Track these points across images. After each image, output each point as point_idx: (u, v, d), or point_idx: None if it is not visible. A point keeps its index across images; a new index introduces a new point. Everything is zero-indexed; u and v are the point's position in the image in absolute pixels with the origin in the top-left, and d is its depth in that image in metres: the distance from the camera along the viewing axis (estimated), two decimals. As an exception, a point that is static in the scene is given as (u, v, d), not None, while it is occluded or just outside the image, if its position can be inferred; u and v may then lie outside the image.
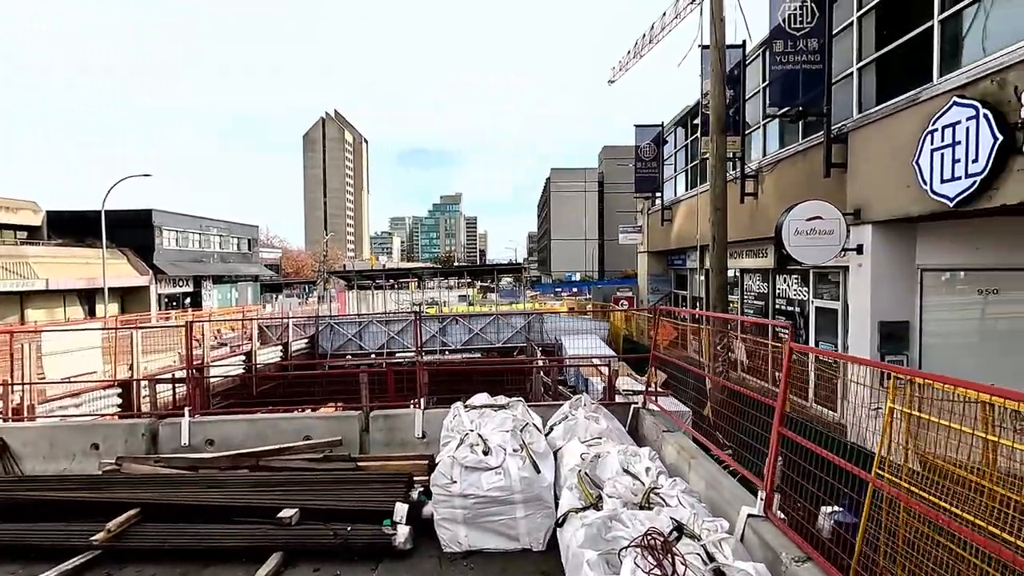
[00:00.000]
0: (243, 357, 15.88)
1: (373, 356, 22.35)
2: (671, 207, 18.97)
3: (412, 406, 7.41)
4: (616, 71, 78.00)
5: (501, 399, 6.80)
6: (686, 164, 18.29)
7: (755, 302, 14.94)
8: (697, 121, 17.53)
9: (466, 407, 6.48)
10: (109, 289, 29.68)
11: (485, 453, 5.12)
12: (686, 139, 18.41)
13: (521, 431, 5.54)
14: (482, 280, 43.68)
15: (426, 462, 6.74)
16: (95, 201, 29.87)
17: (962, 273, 8.07)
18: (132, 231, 37.46)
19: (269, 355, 17.48)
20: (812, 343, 11.55)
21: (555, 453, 5.62)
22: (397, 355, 22.23)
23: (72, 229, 36.46)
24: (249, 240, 52.34)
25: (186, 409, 7.51)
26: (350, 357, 22.27)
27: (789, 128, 12.13)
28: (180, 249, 41.87)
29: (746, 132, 12.56)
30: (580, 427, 5.96)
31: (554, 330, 21.43)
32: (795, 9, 8.86)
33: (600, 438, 5.61)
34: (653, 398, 7.17)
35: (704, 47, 12.76)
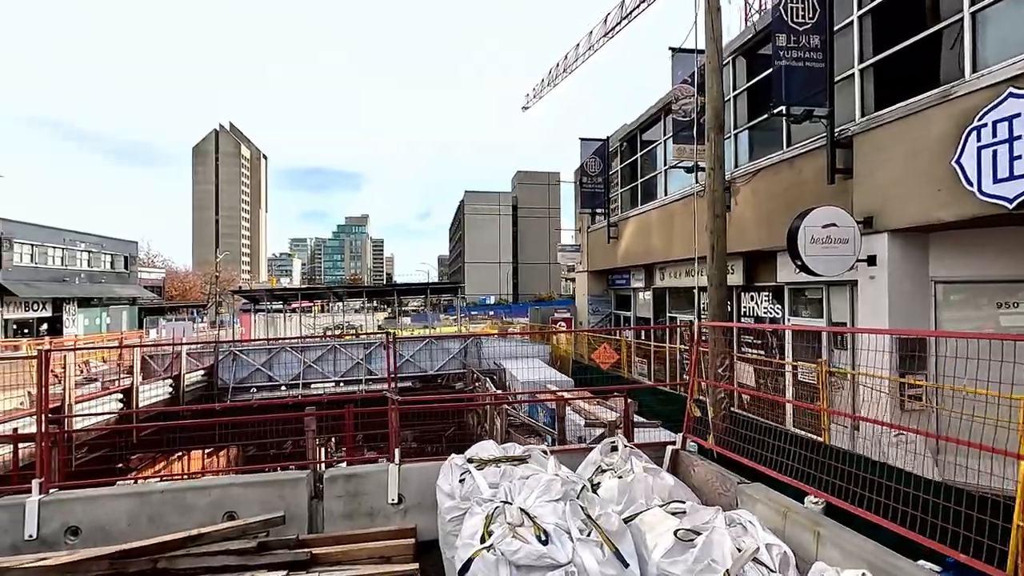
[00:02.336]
0: (120, 395, 12.63)
1: (283, 389, 19.39)
2: (617, 224, 18.26)
3: (385, 460, 5.49)
4: (530, 98, 79.37)
5: (515, 448, 5.12)
6: (634, 180, 17.71)
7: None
8: (649, 136, 17.06)
9: (473, 462, 4.72)
10: (-66, 313, 23.88)
11: (543, 540, 3.42)
12: (632, 154, 17.88)
13: (577, 497, 3.91)
14: (400, 302, 41.06)
15: (410, 540, 4.88)
16: (-82, 204, 24.15)
17: (978, 285, 7.60)
18: (-29, 244, 31.01)
19: (155, 392, 14.20)
20: (789, 364, 10.90)
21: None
22: (313, 387, 19.46)
23: None
24: (126, 258, 45.80)
25: (35, 481, 5.02)
26: (255, 391, 19.14)
27: (761, 137, 11.67)
28: (36, 267, 35.37)
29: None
30: (640, 485, 4.42)
31: (492, 355, 19.82)
32: (797, 2, 8.24)
33: (681, 502, 4.10)
34: (689, 434, 5.81)
35: (675, 50, 12.11)
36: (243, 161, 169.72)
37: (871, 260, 7.95)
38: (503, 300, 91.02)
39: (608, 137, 18.56)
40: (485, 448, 5.05)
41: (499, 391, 14.22)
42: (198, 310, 60.17)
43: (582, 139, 18.60)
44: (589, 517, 3.67)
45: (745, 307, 12.99)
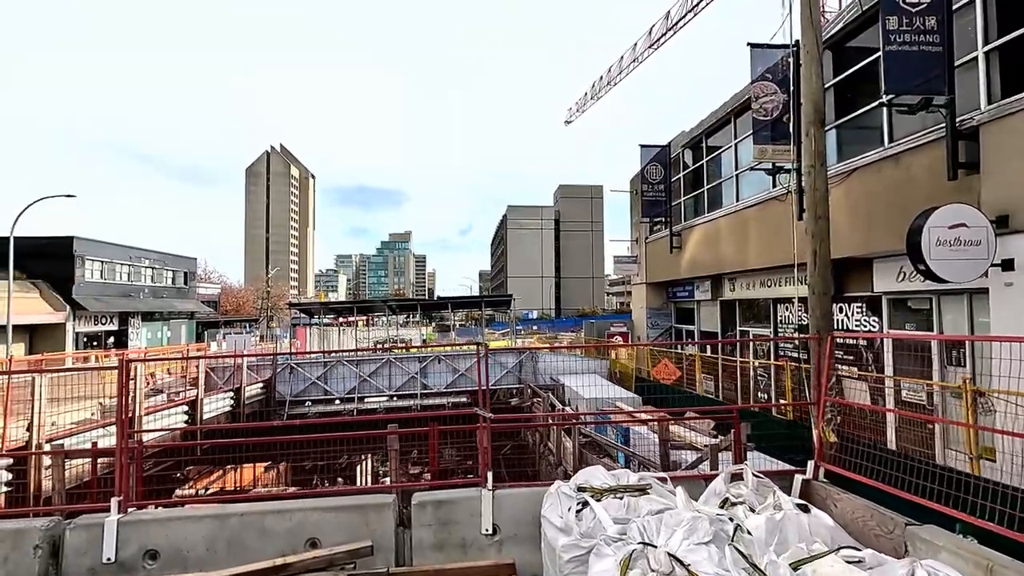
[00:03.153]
0: (185, 407, 12.68)
1: (338, 403, 19.29)
2: (680, 233, 17.44)
3: (478, 486, 4.96)
4: (573, 112, 79.29)
5: (627, 475, 4.51)
6: (700, 186, 16.90)
7: (789, 335, 13.32)
8: (715, 141, 16.26)
9: (586, 491, 4.15)
10: (16, 326, 25.15)
11: (707, 597, 2.80)
12: (697, 160, 17.10)
13: (731, 539, 3.27)
14: (443, 316, 40.91)
15: (511, 578, 4.32)
16: (7, 228, 25.61)
17: None
18: (49, 261, 32.71)
19: (218, 404, 14.25)
20: (890, 380, 9.84)
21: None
22: (367, 401, 19.29)
23: (-28, 258, 31.38)
24: (186, 274, 47.59)
25: (114, 500, 4.74)
26: (310, 404, 19.11)
27: (853, 136, 10.78)
28: (105, 282, 37.06)
29: (801, 142, 11.14)
30: (791, 524, 3.73)
31: (549, 370, 19.20)
32: (909, -19, 7.47)
33: (857, 548, 3.40)
34: (823, 463, 5.05)
35: (754, 45, 11.41)
36: (292, 181, 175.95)
37: (1007, 264, 7.00)
38: (546, 315, 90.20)
39: (669, 143, 17.85)
40: (595, 475, 4.47)
41: (564, 408, 13.56)
42: (251, 324, 61.96)
43: (642, 146, 17.95)
44: (755, 567, 3.03)
45: (834, 319, 11.97)
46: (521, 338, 43.63)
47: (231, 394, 15.20)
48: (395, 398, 19.17)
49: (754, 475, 4.49)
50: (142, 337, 40.66)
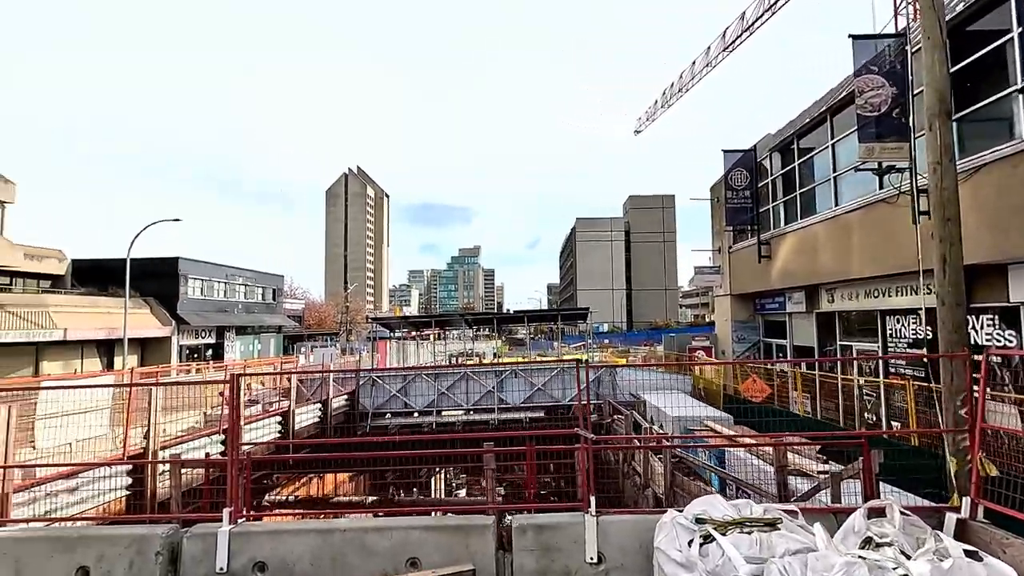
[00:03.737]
0: (279, 418, 13.30)
1: (416, 415, 19.59)
2: (769, 242, 16.43)
3: (578, 510, 4.71)
4: (642, 121, 77.84)
5: (748, 505, 4.10)
6: (792, 191, 15.89)
7: (908, 351, 12.08)
8: (808, 142, 15.26)
9: (706, 522, 3.79)
10: (129, 340, 27.65)
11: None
12: (788, 163, 16.10)
13: (898, 595, 2.83)
14: (511, 330, 40.98)
15: (623, 615, 3.99)
16: (124, 250, 28.36)
17: None
18: (158, 280, 35.89)
19: (308, 415, 14.86)
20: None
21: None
22: (444, 415, 19.46)
23: (96, 278, 34.98)
24: (274, 290, 50.69)
25: (226, 511, 4.89)
26: (390, 416, 19.54)
27: (977, 129, 9.69)
28: (204, 299, 40.12)
29: (916, 136, 10.15)
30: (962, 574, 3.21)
31: (628, 385, 18.58)
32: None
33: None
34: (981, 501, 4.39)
35: (856, 37, 10.59)
36: (368, 200, 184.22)
37: None
38: (616, 328, 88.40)
39: (755, 146, 16.95)
40: (714, 504, 4.09)
41: (651, 427, 12.99)
42: (331, 337, 64.95)
43: (725, 151, 17.15)
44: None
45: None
46: (592, 352, 42.87)
47: (319, 406, 15.80)
48: (472, 412, 19.22)
49: (901, 512, 3.95)
50: (236, 349, 43.57)
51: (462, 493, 23.51)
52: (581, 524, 4.63)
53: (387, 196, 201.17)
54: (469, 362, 31.44)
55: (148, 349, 34.80)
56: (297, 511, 12.02)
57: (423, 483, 21.05)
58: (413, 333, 39.95)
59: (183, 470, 8.72)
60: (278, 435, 13.01)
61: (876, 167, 10.95)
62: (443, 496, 21.70)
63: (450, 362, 26.22)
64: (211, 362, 36.05)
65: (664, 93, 65.40)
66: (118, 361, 31.70)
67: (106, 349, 32.71)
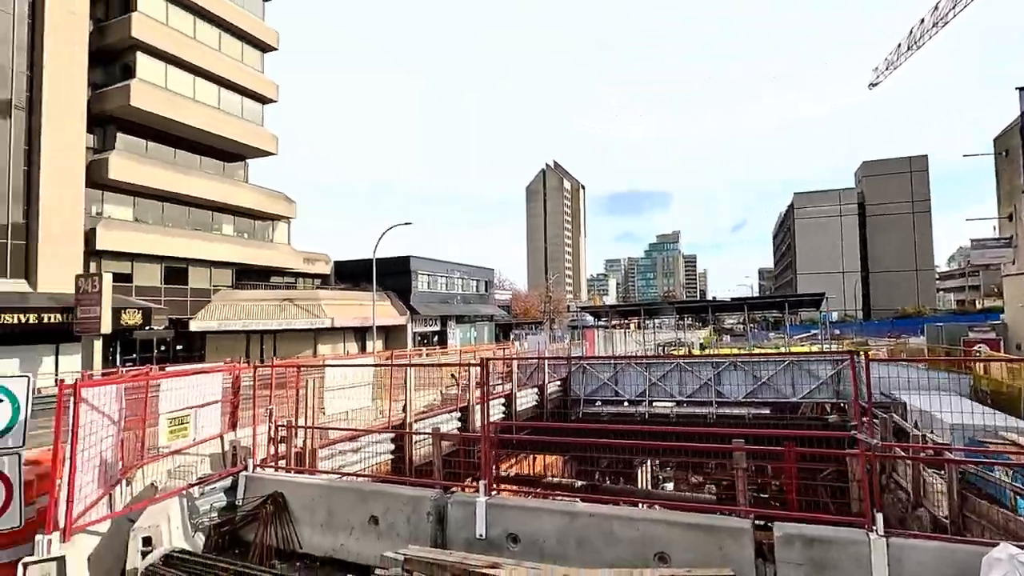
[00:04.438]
0: (503, 400, 14.41)
1: (626, 404, 19.40)
2: (1099, 201, 12.32)
3: (856, 526, 4.05)
4: (879, 72, 65.72)
5: None
6: None
7: None
8: None
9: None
10: (376, 327, 32.71)
11: None
12: None
13: None
14: (717, 319, 38.06)
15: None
16: (370, 251, 33.62)
17: None
18: (395, 276, 41.84)
19: (527, 398, 15.82)
20: None
21: None
22: (656, 405, 18.91)
23: (351, 275, 42.25)
24: (486, 282, 55.19)
25: (481, 483, 5.36)
26: (600, 404, 19.69)
27: None
28: (431, 292, 45.50)
29: None
30: None
31: (878, 383, 15.77)
32: None
33: None
34: None
35: None
36: (565, 194, 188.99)
37: None
38: (849, 317, 76.14)
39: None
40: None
41: (921, 434, 10.81)
42: (536, 326, 68.41)
43: (1020, 88, 13.28)
44: None
45: None
46: (825, 343, 37.54)
47: (535, 390, 16.67)
48: (685, 404, 18.34)
49: None
50: (457, 336, 48.62)
51: (669, 487, 22.71)
52: (865, 544, 3.95)
53: (583, 187, 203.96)
54: (677, 352, 30.17)
55: (390, 335, 40.80)
56: (513, 487, 12.87)
57: (630, 474, 20.85)
58: (615, 322, 39.95)
59: (434, 441, 10.06)
60: (502, 416, 14.06)
61: None
62: (649, 488, 21.22)
63: (658, 352, 25.44)
64: (438, 347, 40.92)
65: (912, 33, 54.14)
66: (369, 345, 37.82)
67: (360, 335, 39.26)
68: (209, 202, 31.81)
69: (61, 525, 4.57)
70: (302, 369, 8.82)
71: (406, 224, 33.52)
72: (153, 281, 29.23)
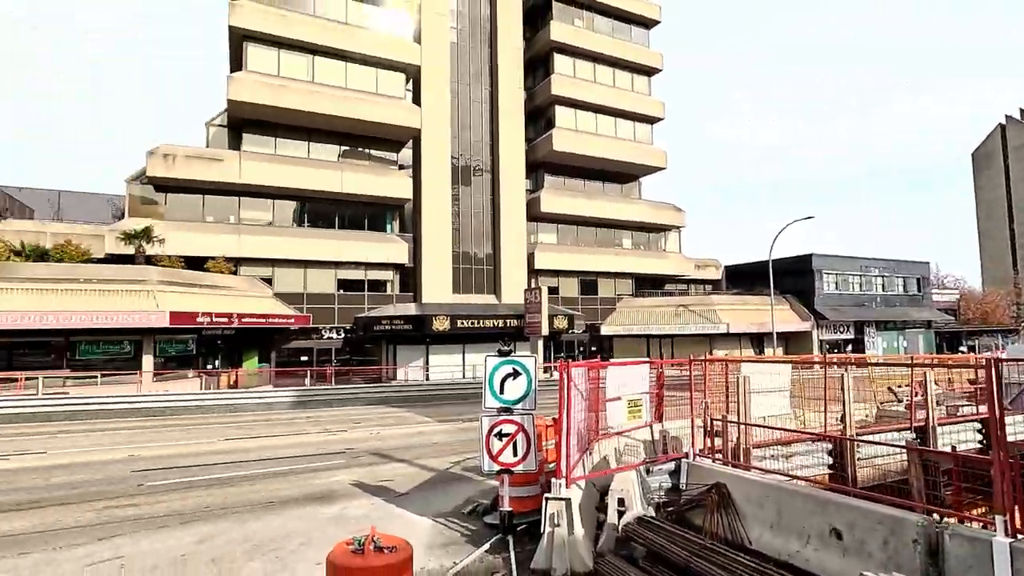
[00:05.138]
0: (978, 425, 11.02)
1: None
2: None
3: None
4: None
5: None
6: None
7: None
8: None
9: None
10: (774, 334, 30.30)
11: None
12: None
13: None
14: None
15: None
16: (764, 254, 31.60)
17: None
18: (793, 278, 38.04)
19: (1017, 428, 11.69)
20: None
21: None
22: None
23: (744, 279, 40.56)
24: (918, 280, 44.19)
25: (999, 519, 4.14)
26: None
27: None
28: (840, 293, 39.41)
29: None
30: None
31: None
32: None
33: None
34: None
35: None
36: None
37: None
38: None
39: None
40: None
41: None
42: (1005, 335, 50.42)
43: None
44: None
45: None
46: None
47: (1027, 418, 12.15)
48: None
49: None
50: (877, 345, 40.50)
51: None
52: None
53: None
54: None
55: (791, 342, 37.16)
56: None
57: None
58: None
59: (863, 452, 8.53)
60: (977, 447, 10.76)
61: None
62: None
63: None
64: (853, 355, 34.90)
65: None
66: (767, 351, 35.36)
67: (756, 341, 37.13)
68: (611, 221, 36.00)
69: (563, 475, 5.80)
70: (729, 366, 8.85)
71: (807, 219, 30.12)
72: (572, 292, 34.92)
